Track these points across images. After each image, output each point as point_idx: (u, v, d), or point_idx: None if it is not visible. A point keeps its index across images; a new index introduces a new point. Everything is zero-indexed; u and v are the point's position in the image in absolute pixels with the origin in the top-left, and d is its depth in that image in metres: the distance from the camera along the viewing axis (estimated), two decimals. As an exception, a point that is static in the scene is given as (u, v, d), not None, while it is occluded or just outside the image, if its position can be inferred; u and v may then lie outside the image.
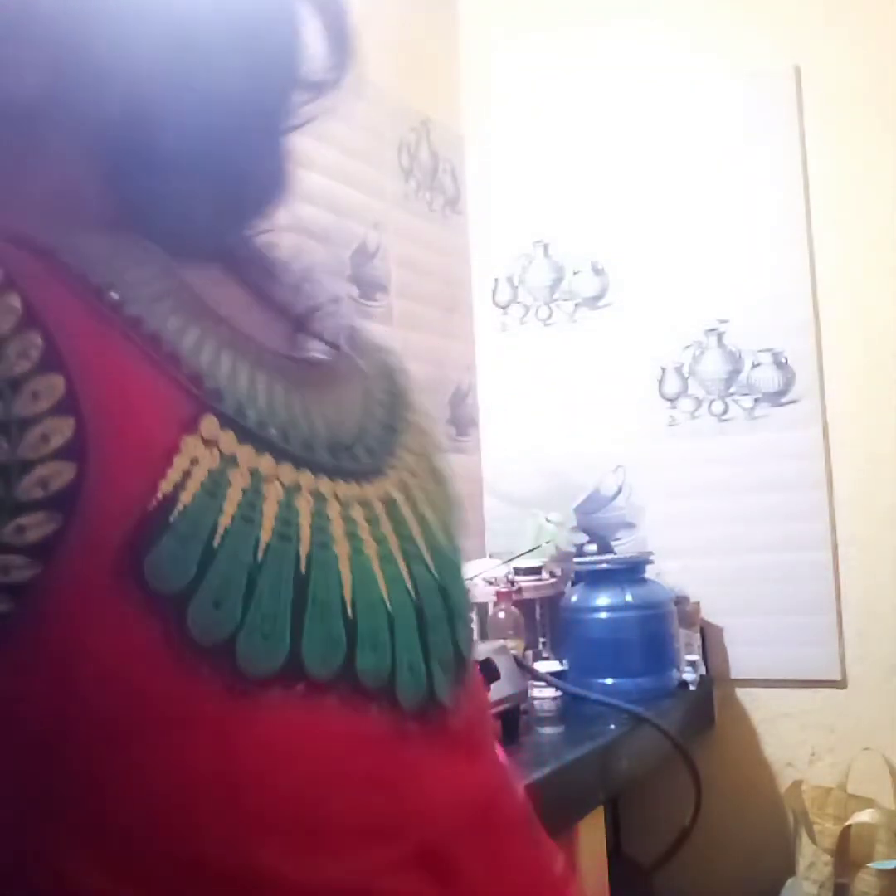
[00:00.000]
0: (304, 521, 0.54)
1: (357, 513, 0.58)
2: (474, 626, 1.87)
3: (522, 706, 1.55)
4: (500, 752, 0.69)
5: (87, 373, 0.48)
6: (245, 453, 0.52)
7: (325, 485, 0.56)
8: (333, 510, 0.56)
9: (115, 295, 0.51)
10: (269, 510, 0.52)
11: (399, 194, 2.09)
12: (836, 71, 1.97)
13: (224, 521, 0.49)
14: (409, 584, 0.59)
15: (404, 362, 0.74)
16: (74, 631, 0.46)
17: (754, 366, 2.02)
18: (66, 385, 0.46)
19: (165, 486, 0.48)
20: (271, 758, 0.50)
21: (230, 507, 0.50)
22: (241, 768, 0.49)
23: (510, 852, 0.61)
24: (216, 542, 0.49)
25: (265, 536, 0.51)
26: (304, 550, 0.53)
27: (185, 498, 0.48)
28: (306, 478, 0.55)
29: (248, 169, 0.61)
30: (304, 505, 0.54)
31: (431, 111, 2.21)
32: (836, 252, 1.97)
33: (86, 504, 0.46)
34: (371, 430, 0.63)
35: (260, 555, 0.51)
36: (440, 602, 0.62)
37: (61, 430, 0.46)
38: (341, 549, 0.55)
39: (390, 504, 0.61)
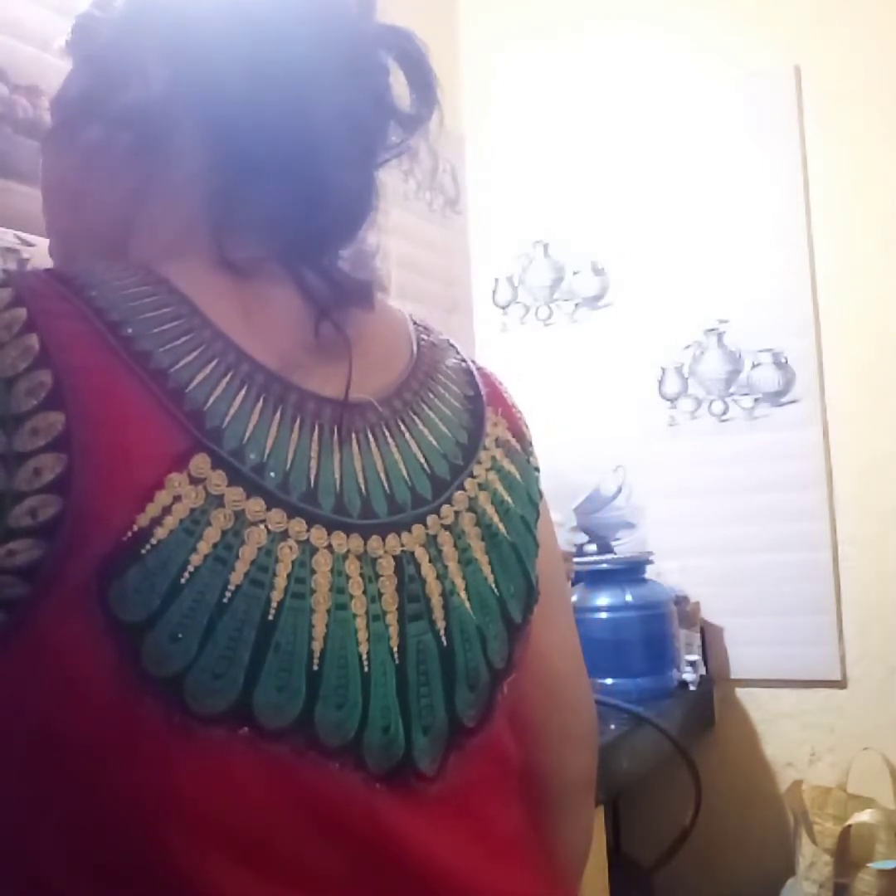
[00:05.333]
0: (283, 570, 0.54)
1: (352, 567, 0.56)
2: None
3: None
4: (518, 819, 0.65)
5: (87, 411, 0.50)
6: (234, 495, 0.53)
7: (318, 535, 0.55)
8: (323, 562, 0.55)
9: (129, 330, 0.53)
10: (247, 554, 0.52)
11: (399, 194, 2.09)
12: (836, 71, 1.97)
13: (196, 559, 0.51)
14: (395, 643, 0.57)
15: (473, 361, 0.72)
16: (47, 648, 0.50)
17: (754, 366, 2.02)
18: (65, 423, 0.50)
19: (142, 520, 0.50)
20: (210, 785, 0.51)
21: (205, 546, 0.51)
22: (182, 790, 0.51)
23: None
24: (183, 579, 0.50)
25: (236, 579, 0.52)
26: (276, 598, 0.53)
27: (161, 533, 0.50)
28: (297, 525, 0.55)
29: (337, 193, 0.63)
30: (286, 553, 0.54)
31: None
32: (836, 252, 1.97)
33: (66, 534, 0.49)
34: (411, 479, 0.61)
35: (227, 597, 0.51)
36: (438, 665, 0.59)
37: (53, 467, 0.49)
38: (321, 601, 0.55)
39: (404, 560, 0.59)
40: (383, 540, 0.58)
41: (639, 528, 2.11)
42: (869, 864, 1.73)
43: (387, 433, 0.61)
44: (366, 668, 0.56)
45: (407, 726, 0.57)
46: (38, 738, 0.50)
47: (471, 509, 0.63)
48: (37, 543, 0.49)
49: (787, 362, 1.99)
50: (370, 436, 0.60)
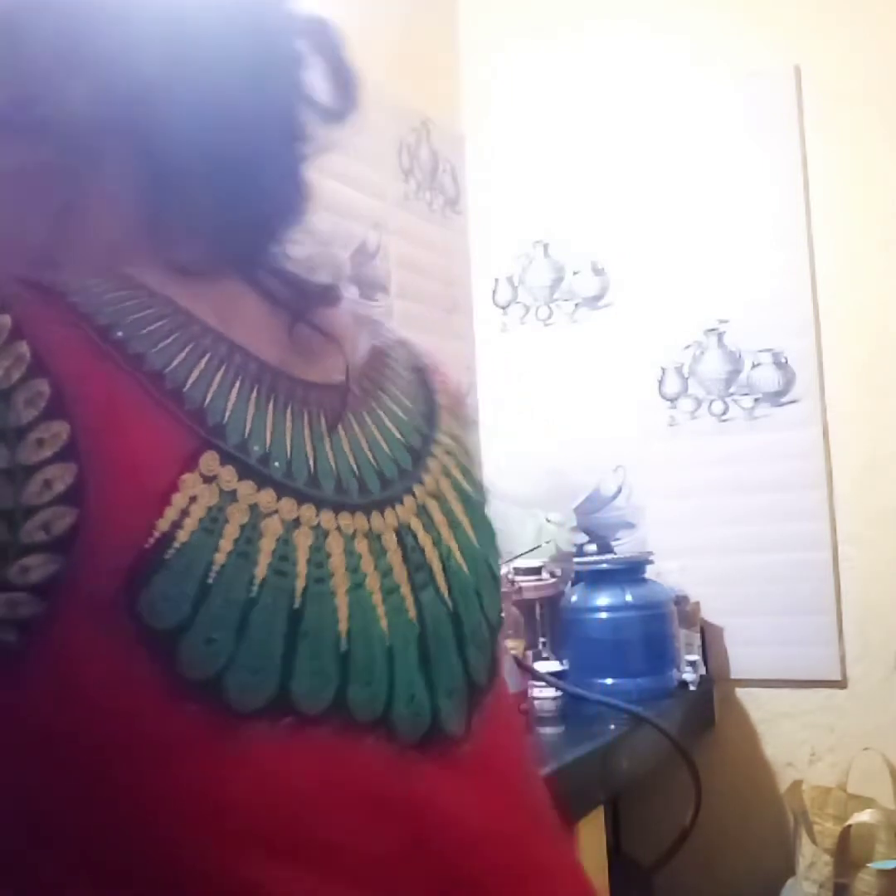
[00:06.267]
0: (302, 557, 0.54)
1: (362, 545, 0.58)
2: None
3: (522, 706, 1.55)
4: (527, 761, 0.68)
5: (91, 418, 0.49)
6: (245, 489, 0.53)
7: (327, 519, 0.56)
8: (335, 544, 0.56)
9: (119, 334, 0.52)
10: (267, 546, 0.53)
11: (399, 194, 2.09)
12: (836, 71, 1.97)
13: (220, 558, 0.51)
14: (412, 615, 0.59)
15: (433, 360, 0.74)
16: (72, 663, 0.48)
17: (754, 366, 2.02)
18: (70, 432, 0.48)
19: (163, 525, 0.49)
20: (260, 785, 0.50)
21: (227, 543, 0.51)
22: (227, 794, 0.50)
23: (531, 877, 0.60)
24: (211, 579, 0.50)
25: (261, 573, 0.52)
26: (300, 585, 0.53)
27: (183, 536, 0.49)
28: (308, 512, 0.55)
29: (265, 190, 0.62)
30: (302, 540, 0.54)
31: (431, 111, 2.21)
32: (836, 252, 1.97)
33: (84, 546, 0.48)
34: (393, 453, 0.63)
35: (255, 591, 0.51)
36: (450, 630, 0.61)
37: (63, 477, 0.48)
38: (340, 583, 0.56)
39: (403, 532, 0.61)
40: (382, 515, 0.60)
41: (639, 528, 2.11)
42: (869, 864, 1.73)
43: (364, 412, 0.63)
44: (388, 643, 0.57)
45: (432, 693, 0.58)
46: (59, 755, 0.49)
47: (445, 474, 0.66)
48: (52, 558, 0.48)
49: (787, 362, 1.99)
50: (352, 417, 0.61)
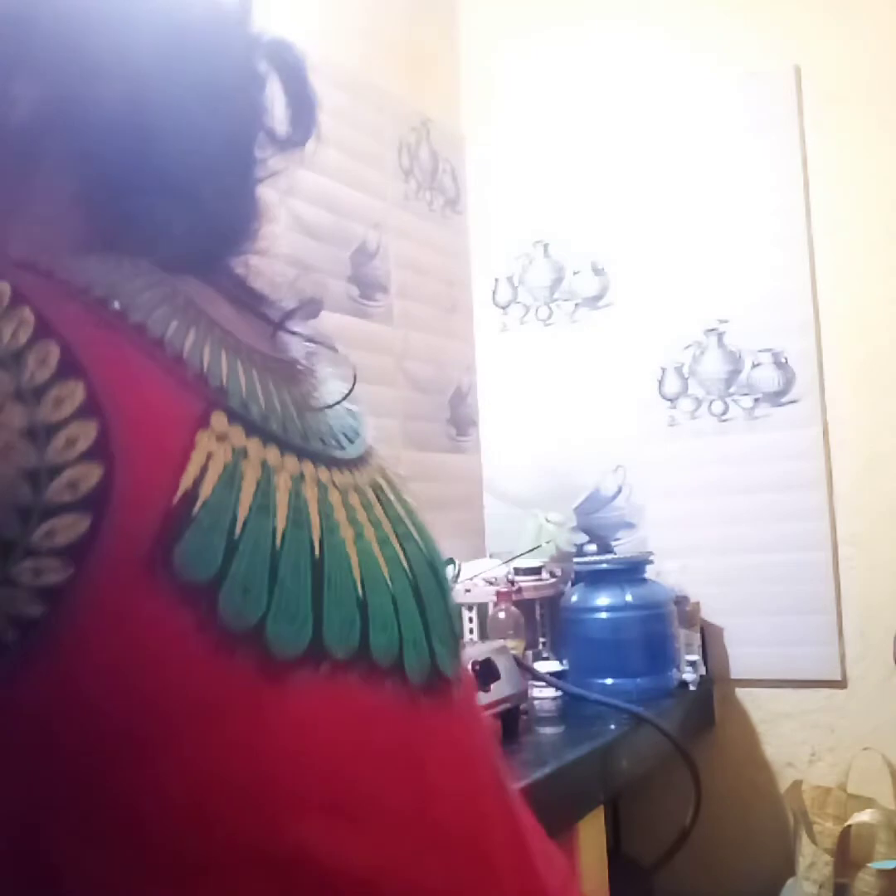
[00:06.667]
0: (313, 509, 0.56)
1: (354, 499, 0.60)
2: (473, 624, 1.87)
3: (522, 706, 1.55)
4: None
5: (104, 377, 0.49)
6: (253, 446, 0.54)
7: (323, 474, 0.59)
8: (335, 497, 0.58)
9: (117, 304, 0.52)
10: (282, 499, 0.54)
11: (399, 194, 2.09)
12: (836, 71, 1.97)
13: (242, 512, 0.51)
14: (405, 563, 0.62)
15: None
16: (113, 627, 0.48)
17: (754, 366, 2.02)
18: (86, 389, 0.48)
19: (186, 481, 0.49)
20: (304, 737, 0.51)
21: (246, 497, 0.52)
22: (276, 748, 0.50)
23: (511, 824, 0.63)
24: (237, 532, 0.51)
25: (281, 524, 0.53)
26: (316, 536, 0.55)
27: (205, 491, 0.50)
28: (308, 467, 0.57)
29: (221, 208, 0.62)
30: (310, 493, 0.56)
31: (431, 111, 2.21)
32: (836, 252, 1.97)
33: (115, 503, 0.47)
34: (346, 422, 0.66)
35: (278, 542, 0.53)
36: (432, 578, 0.64)
37: (86, 433, 0.48)
38: (346, 533, 0.58)
39: (378, 489, 0.64)
40: (361, 472, 0.63)
41: (639, 528, 2.11)
42: (869, 864, 1.73)
43: (313, 380, 0.65)
44: (391, 588, 0.59)
45: (428, 638, 0.61)
46: (100, 727, 0.48)
47: (376, 440, 0.69)
48: (80, 518, 0.47)
49: (787, 362, 1.99)
50: (305, 383, 0.63)
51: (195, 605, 0.49)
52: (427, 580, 0.63)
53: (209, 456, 0.51)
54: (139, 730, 0.48)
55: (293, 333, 0.64)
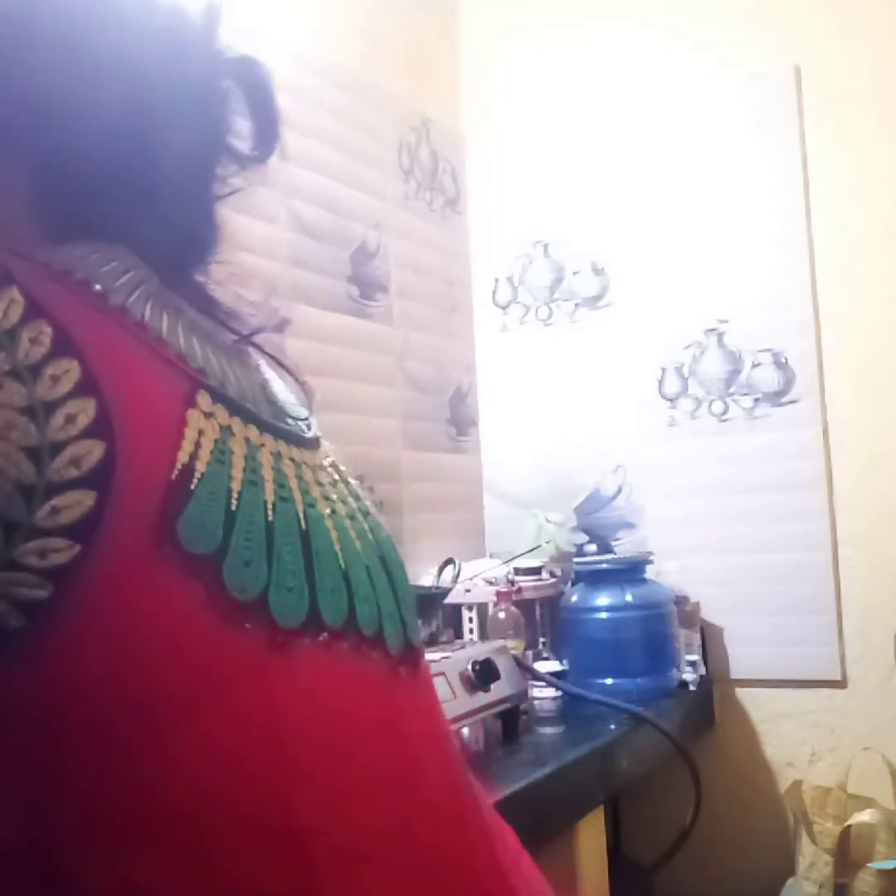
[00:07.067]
0: (294, 484, 0.58)
1: (323, 476, 0.62)
2: (473, 624, 1.87)
3: (522, 706, 1.55)
4: None
5: (97, 356, 0.50)
6: (236, 424, 0.56)
7: (295, 452, 0.60)
8: (308, 475, 0.60)
9: (98, 286, 0.53)
10: (267, 474, 0.56)
11: (399, 194, 2.09)
12: (836, 71, 1.97)
13: (236, 486, 0.53)
14: (371, 537, 0.64)
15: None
16: (123, 604, 0.48)
17: (754, 366, 2.02)
18: (82, 367, 0.49)
19: (183, 457, 0.51)
20: (311, 707, 0.52)
21: (238, 472, 0.54)
22: (287, 720, 0.51)
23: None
24: (233, 506, 0.52)
25: (270, 498, 0.55)
26: (300, 510, 0.57)
27: (200, 467, 0.51)
28: (283, 446, 0.59)
29: (182, 222, 0.63)
30: (289, 469, 0.58)
31: (431, 111, 2.21)
32: (836, 252, 1.97)
33: (119, 479, 0.48)
34: (298, 409, 0.67)
35: (270, 515, 0.54)
36: (395, 554, 0.67)
37: (85, 411, 0.48)
38: (323, 508, 0.60)
39: (336, 469, 0.66)
40: (320, 454, 0.65)
41: (639, 528, 2.11)
42: (869, 864, 1.73)
43: (262, 370, 0.66)
44: (366, 562, 0.61)
45: (399, 609, 0.63)
46: (107, 702, 0.48)
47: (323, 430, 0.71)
48: (86, 494, 0.47)
49: (787, 362, 1.99)
50: (258, 372, 0.65)
51: (202, 578, 0.49)
52: (391, 553, 0.66)
53: (201, 432, 0.52)
54: (154, 705, 0.48)
55: (255, 347, 0.65)
